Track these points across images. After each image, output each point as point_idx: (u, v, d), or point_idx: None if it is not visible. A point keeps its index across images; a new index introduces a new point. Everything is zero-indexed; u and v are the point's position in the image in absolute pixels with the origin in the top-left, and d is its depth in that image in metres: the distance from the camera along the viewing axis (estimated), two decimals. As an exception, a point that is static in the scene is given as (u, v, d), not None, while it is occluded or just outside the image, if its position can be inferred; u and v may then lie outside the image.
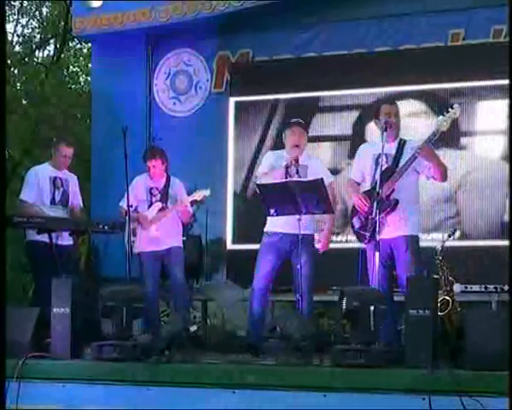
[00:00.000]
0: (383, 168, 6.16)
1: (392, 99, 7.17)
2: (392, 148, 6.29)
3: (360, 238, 6.29)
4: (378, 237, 6.05)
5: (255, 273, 6.63)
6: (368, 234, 6.14)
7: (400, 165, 6.21)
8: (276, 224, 6.58)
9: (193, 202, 7.78)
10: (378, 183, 6.10)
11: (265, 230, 6.69)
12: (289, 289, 6.91)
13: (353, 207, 6.41)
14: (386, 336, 5.70)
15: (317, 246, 6.66)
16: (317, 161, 6.89)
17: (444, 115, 6.20)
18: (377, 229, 6.03)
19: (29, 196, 7.38)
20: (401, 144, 6.31)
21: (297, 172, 6.58)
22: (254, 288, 6.62)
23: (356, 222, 6.35)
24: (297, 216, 6.30)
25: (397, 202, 6.15)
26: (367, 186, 6.34)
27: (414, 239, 6.23)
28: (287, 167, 6.57)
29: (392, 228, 6.17)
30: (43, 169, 7.57)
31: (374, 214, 6.09)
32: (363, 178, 6.41)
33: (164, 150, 7.65)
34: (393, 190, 6.15)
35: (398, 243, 6.18)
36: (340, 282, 6.11)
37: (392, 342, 5.88)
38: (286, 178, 6.54)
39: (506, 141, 8.18)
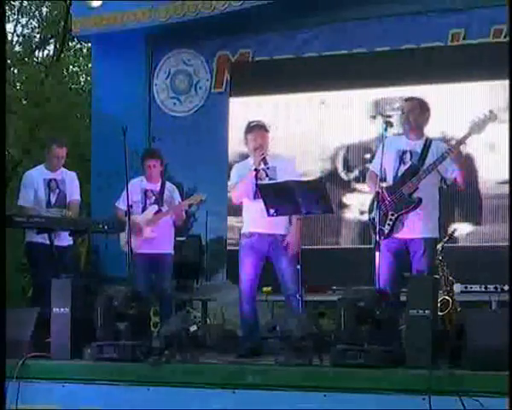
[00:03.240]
0: (407, 166, 6.11)
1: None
2: (417, 146, 6.18)
3: (377, 233, 6.06)
4: (395, 235, 6.03)
5: (239, 276, 6.59)
6: (386, 230, 6.02)
7: (426, 164, 6.09)
8: (253, 224, 6.54)
9: (189, 205, 7.79)
10: (401, 180, 6.05)
11: (242, 231, 6.64)
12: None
13: (372, 200, 6.27)
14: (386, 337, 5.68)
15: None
16: (284, 162, 6.73)
17: (478, 119, 6.02)
18: (396, 226, 6.00)
19: (27, 200, 7.35)
20: (427, 143, 6.19)
21: (267, 175, 6.54)
22: (241, 291, 6.58)
23: (374, 216, 6.17)
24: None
25: (420, 200, 6.03)
26: (387, 181, 6.15)
27: (433, 242, 6.15)
28: (256, 171, 6.53)
29: (412, 228, 6.07)
30: (37, 172, 7.53)
31: (395, 211, 6.03)
32: (384, 171, 6.18)
33: (162, 153, 7.63)
34: (417, 188, 6.05)
35: (417, 244, 6.08)
36: (341, 282, 6.09)
37: (392, 342, 5.86)
38: (256, 182, 6.50)
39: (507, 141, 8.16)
